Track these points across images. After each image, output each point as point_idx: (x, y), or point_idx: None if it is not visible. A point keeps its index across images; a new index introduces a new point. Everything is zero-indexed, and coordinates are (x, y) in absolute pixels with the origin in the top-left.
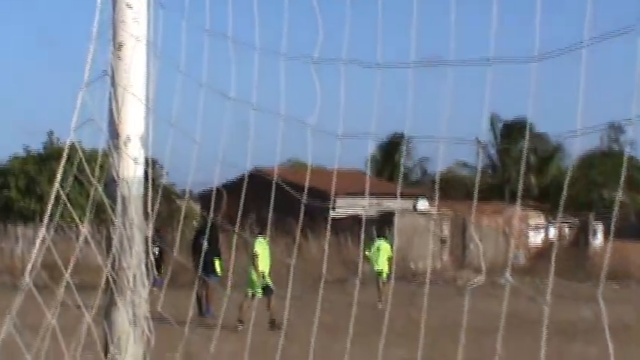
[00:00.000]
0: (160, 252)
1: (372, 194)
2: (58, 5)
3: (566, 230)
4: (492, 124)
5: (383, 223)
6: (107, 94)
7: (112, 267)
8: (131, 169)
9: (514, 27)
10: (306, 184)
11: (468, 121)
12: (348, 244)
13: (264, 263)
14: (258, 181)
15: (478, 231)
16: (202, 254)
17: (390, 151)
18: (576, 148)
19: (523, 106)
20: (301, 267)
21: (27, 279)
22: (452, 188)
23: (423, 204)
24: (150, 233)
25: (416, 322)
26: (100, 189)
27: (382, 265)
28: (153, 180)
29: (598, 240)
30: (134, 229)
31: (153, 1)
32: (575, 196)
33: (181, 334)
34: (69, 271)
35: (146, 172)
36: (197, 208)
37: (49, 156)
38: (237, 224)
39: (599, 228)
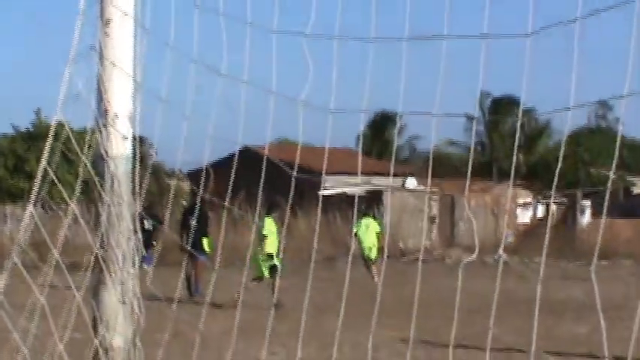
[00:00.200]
0: (153, 228)
1: (361, 172)
2: None
3: (554, 207)
4: (480, 100)
5: (372, 201)
6: (95, 70)
7: (101, 245)
8: (120, 146)
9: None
10: (297, 159)
11: (455, 98)
12: (337, 221)
13: (274, 244)
14: (247, 158)
15: (466, 209)
16: (191, 233)
17: (379, 128)
18: (568, 124)
19: (509, 83)
20: (290, 245)
21: (15, 258)
22: (440, 166)
23: (412, 182)
24: (138, 211)
25: (405, 300)
26: (89, 166)
27: (371, 243)
28: (141, 157)
29: (586, 218)
30: (123, 207)
31: None
32: (563, 174)
33: (171, 313)
34: (58, 249)
35: (134, 150)
36: (186, 186)
37: (37, 134)
38: (227, 201)
39: (587, 206)
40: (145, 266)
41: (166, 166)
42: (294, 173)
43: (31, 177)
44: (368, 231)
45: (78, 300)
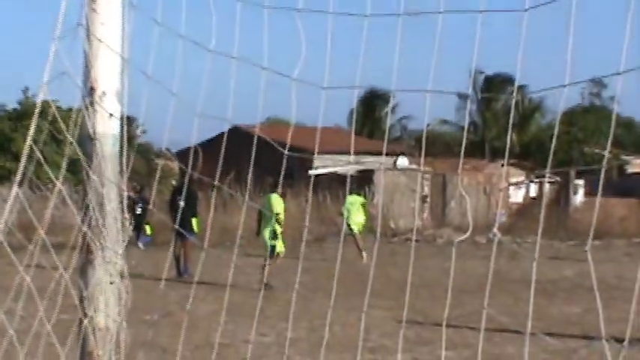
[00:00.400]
0: (143, 211)
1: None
2: None
3: (547, 186)
4: (474, 78)
5: (363, 181)
6: (82, 47)
7: (88, 225)
8: (107, 124)
9: None
10: (289, 137)
11: (447, 77)
12: (327, 202)
13: (282, 223)
14: (237, 138)
15: (458, 189)
16: (179, 212)
17: (369, 106)
18: (563, 103)
19: (501, 60)
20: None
21: (0, 238)
22: (432, 145)
23: (403, 161)
24: (125, 191)
25: (396, 281)
26: (76, 145)
27: (356, 218)
28: (129, 136)
29: (579, 197)
30: (109, 186)
31: None
32: (556, 153)
33: (159, 292)
34: (44, 229)
35: (122, 128)
36: (176, 166)
37: (24, 113)
38: (217, 180)
39: (581, 185)
40: (141, 246)
41: (155, 147)
42: (286, 151)
43: (17, 157)
44: (354, 208)
45: (66, 280)
